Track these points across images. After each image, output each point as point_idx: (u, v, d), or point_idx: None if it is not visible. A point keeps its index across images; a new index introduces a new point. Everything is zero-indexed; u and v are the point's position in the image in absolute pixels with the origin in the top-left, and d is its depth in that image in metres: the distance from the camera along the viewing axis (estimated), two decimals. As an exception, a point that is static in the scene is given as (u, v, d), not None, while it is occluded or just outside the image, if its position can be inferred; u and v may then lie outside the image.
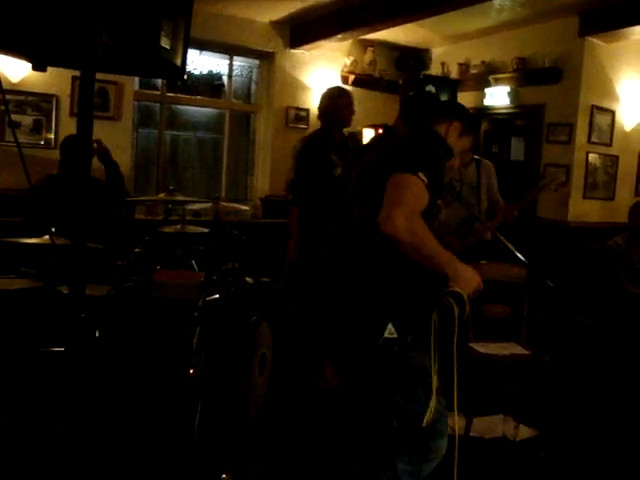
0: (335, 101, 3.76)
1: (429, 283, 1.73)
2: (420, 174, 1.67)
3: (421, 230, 1.63)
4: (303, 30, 5.87)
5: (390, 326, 1.77)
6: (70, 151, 3.65)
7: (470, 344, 2.97)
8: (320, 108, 3.84)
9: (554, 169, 5.37)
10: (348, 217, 1.94)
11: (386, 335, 1.76)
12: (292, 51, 6.07)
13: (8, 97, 4.55)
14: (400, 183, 1.67)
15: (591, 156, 5.36)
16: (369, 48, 6.40)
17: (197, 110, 6.09)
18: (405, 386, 1.82)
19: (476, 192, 3.84)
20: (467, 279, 1.72)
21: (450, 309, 1.69)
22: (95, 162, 3.40)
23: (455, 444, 1.83)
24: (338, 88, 4.01)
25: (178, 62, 1.49)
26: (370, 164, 1.90)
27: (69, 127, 4.73)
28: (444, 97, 5.33)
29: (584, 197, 5.38)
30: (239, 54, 6.10)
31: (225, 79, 6.12)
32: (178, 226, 3.66)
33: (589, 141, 5.32)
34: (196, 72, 5.94)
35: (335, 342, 2.01)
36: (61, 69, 1.68)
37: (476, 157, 3.94)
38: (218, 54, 6.00)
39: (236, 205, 4.11)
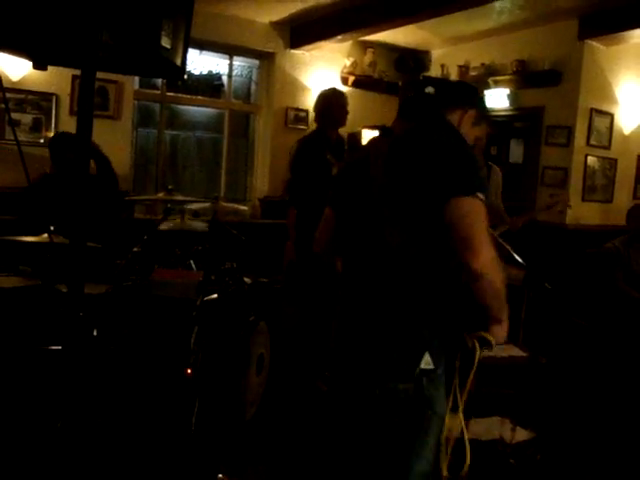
0: (329, 102, 3.81)
1: (465, 314, 1.66)
2: (478, 194, 1.58)
3: (501, 270, 1.58)
4: (303, 31, 5.88)
5: (427, 356, 1.62)
6: (60, 149, 3.65)
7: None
8: (315, 109, 3.93)
9: (554, 172, 5.39)
10: (374, 237, 1.70)
11: (422, 366, 1.61)
12: (292, 52, 6.08)
13: (8, 95, 4.54)
14: (469, 212, 1.56)
15: (590, 159, 5.37)
16: (369, 49, 6.40)
17: (197, 110, 6.09)
18: (421, 440, 1.66)
19: None
20: (502, 335, 1.68)
21: (472, 351, 1.62)
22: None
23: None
24: (333, 89, 4.05)
25: (178, 62, 1.49)
26: (395, 177, 1.69)
27: (69, 126, 4.73)
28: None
29: (583, 200, 5.38)
30: (239, 54, 6.10)
31: (225, 79, 6.12)
32: (177, 220, 3.65)
33: (588, 144, 5.33)
34: (196, 72, 5.94)
35: (353, 369, 1.76)
36: (61, 68, 1.68)
37: (489, 163, 3.97)
38: (218, 54, 5.99)
39: (235, 205, 4.13)
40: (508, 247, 2.94)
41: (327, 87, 4.22)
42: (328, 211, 1.99)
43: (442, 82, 5.54)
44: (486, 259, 1.53)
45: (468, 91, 1.98)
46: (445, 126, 1.82)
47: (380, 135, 1.98)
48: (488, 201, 1.65)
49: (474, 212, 1.57)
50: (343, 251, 1.91)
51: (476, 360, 1.63)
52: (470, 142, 1.87)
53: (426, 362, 1.61)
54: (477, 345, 1.62)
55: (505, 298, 1.63)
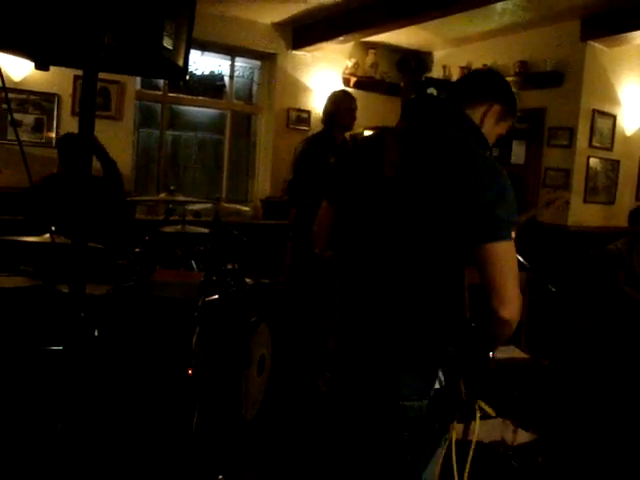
0: (338, 104, 3.81)
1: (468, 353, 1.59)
2: (513, 234, 1.46)
3: (521, 305, 1.49)
4: (305, 32, 5.88)
5: (440, 374, 1.55)
6: (67, 149, 3.66)
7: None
8: (323, 110, 3.91)
9: (556, 173, 5.38)
10: (380, 238, 1.58)
11: (436, 386, 1.55)
12: (294, 52, 6.07)
13: (10, 95, 4.55)
14: (502, 257, 1.45)
15: (592, 160, 5.36)
16: (371, 50, 6.39)
17: (198, 111, 6.09)
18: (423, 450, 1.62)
19: None
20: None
21: (472, 415, 1.60)
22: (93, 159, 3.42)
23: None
24: (343, 91, 4.05)
25: (180, 62, 1.49)
26: (412, 181, 1.53)
27: (70, 126, 4.73)
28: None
29: (585, 201, 5.37)
30: (241, 55, 6.11)
31: (227, 80, 6.12)
32: (178, 226, 3.66)
33: (590, 145, 5.32)
34: (198, 73, 5.95)
35: (362, 384, 1.65)
36: (63, 68, 1.68)
37: None
38: (220, 55, 6.00)
39: (236, 206, 4.12)
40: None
41: (336, 88, 4.21)
42: (326, 205, 1.86)
43: (448, 82, 5.50)
44: (513, 308, 1.45)
45: (496, 82, 1.74)
46: (467, 126, 1.62)
47: (386, 130, 1.84)
48: None
49: (506, 257, 1.45)
50: (340, 247, 1.80)
51: (475, 434, 1.60)
52: (491, 142, 1.71)
53: (439, 382, 1.57)
54: (477, 413, 1.59)
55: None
